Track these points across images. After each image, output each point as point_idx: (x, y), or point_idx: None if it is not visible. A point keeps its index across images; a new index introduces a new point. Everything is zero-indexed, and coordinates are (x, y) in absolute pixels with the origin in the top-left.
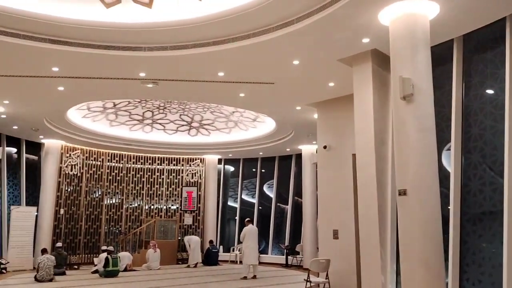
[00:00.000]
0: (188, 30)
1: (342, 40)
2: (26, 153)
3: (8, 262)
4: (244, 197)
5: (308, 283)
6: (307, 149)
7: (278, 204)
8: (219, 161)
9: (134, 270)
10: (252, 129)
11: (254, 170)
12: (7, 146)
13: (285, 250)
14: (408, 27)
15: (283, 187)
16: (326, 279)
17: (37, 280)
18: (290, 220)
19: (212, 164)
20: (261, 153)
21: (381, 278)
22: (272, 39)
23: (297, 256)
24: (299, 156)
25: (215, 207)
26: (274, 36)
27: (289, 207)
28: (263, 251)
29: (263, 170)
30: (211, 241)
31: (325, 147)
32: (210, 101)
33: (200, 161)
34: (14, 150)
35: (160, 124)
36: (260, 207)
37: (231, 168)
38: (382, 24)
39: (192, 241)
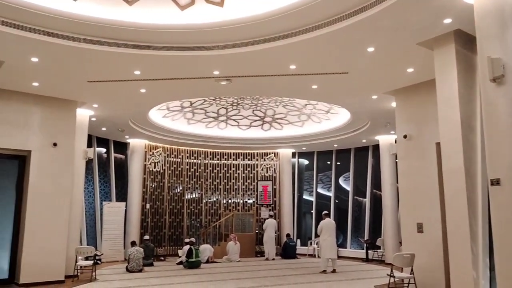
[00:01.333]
0: (258, 25)
1: (421, 22)
2: (114, 152)
3: (102, 254)
4: (320, 190)
5: (392, 278)
6: (385, 140)
7: (355, 197)
8: (293, 154)
9: (215, 262)
10: (326, 121)
11: (328, 163)
12: (97, 147)
13: (365, 244)
14: (496, 3)
15: (360, 179)
16: (411, 274)
17: (128, 270)
18: (369, 213)
19: (286, 158)
20: (335, 145)
21: (473, 273)
22: (345, 27)
23: (378, 250)
24: (376, 147)
25: (291, 201)
26: (347, 24)
27: (367, 200)
28: (341, 245)
29: (338, 163)
30: (288, 235)
31: (405, 136)
32: (282, 95)
33: (274, 155)
34: (103, 150)
35: (234, 120)
36: (336, 200)
37: (305, 162)
38: (466, 2)
39: (269, 225)
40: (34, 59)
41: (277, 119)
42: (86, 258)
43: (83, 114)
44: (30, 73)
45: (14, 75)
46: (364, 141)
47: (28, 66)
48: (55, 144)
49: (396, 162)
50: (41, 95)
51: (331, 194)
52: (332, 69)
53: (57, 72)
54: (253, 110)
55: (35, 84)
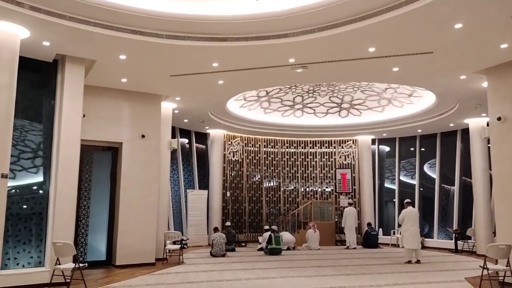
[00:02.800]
0: (335, 8)
1: None
2: (195, 143)
3: (188, 239)
4: (402, 178)
5: (485, 271)
6: (476, 123)
7: (442, 185)
8: (373, 141)
9: (295, 249)
10: (408, 105)
11: (412, 149)
12: (180, 138)
13: (454, 234)
14: None
15: (447, 166)
16: (507, 266)
17: (212, 255)
18: (457, 202)
19: (365, 145)
20: (419, 131)
21: None
22: (429, 4)
23: (468, 241)
24: (465, 131)
25: (371, 189)
26: (431, 0)
27: (455, 188)
28: (427, 235)
29: (422, 149)
30: (369, 224)
31: (499, 118)
32: (361, 79)
33: (353, 142)
34: (186, 140)
35: (310, 108)
36: (421, 189)
37: (386, 148)
38: None
39: (349, 214)
40: (122, 57)
41: (355, 105)
42: (174, 243)
43: (167, 107)
44: (119, 70)
45: (105, 72)
46: (451, 125)
47: (117, 63)
48: (143, 136)
49: (489, 147)
50: (129, 90)
51: (415, 182)
52: (415, 50)
53: (143, 68)
54: (330, 97)
55: (124, 80)
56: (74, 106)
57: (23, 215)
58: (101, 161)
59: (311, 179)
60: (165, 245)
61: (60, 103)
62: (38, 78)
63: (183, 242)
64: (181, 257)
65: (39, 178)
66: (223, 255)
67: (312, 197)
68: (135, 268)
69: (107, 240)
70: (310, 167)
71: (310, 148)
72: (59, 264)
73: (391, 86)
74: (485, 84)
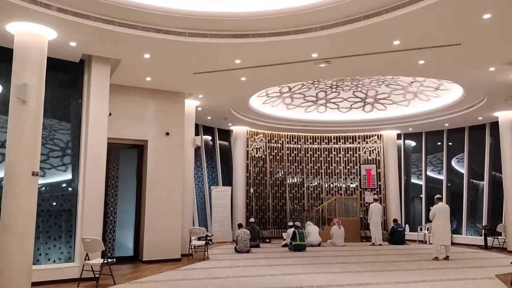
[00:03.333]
0: (358, 2)
1: None
2: (219, 139)
3: (213, 235)
4: (429, 173)
5: None
6: (506, 116)
7: (471, 180)
8: (398, 136)
9: (320, 246)
10: (435, 98)
11: (439, 143)
12: (204, 135)
13: (484, 230)
14: None
15: (476, 161)
16: None
17: (236, 251)
18: (487, 197)
19: (390, 140)
20: (446, 125)
21: None
22: None
23: (499, 237)
24: (495, 125)
25: (397, 185)
26: None
27: (485, 183)
28: (455, 231)
29: (450, 143)
30: (395, 220)
31: None
32: (385, 73)
33: (378, 138)
34: (209, 137)
35: (333, 103)
36: (449, 184)
37: (412, 143)
38: None
39: (374, 210)
40: (146, 56)
41: (380, 99)
42: (199, 239)
43: (191, 105)
44: (144, 68)
45: (130, 71)
46: (480, 118)
47: (141, 62)
48: (167, 134)
49: None
50: (153, 88)
51: (442, 177)
52: (442, 42)
53: (167, 66)
54: (354, 92)
55: (148, 78)
56: (101, 105)
57: (53, 212)
58: (127, 158)
59: (335, 175)
60: (190, 241)
61: (87, 102)
62: (65, 78)
63: (208, 238)
64: (206, 253)
65: (68, 176)
66: (248, 251)
67: (336, 193)
68: (161, 263)
69: (134, 236)
70: (334, 163)
71: (334, 143)
72: (88, 260)
73: (417, 80)
74: None
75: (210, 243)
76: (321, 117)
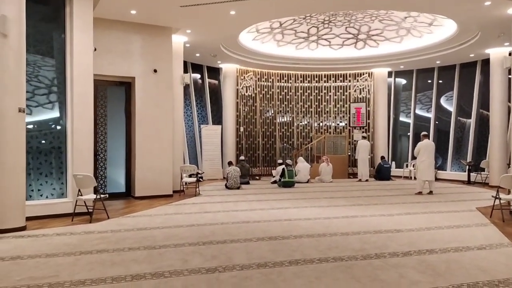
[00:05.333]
0: None
1: None
2: (208, 78)
3: (203, 172)
4: (418, 111)
5: (497, 200)
6: (497, 53)
7: (458, 118)
8: (389, 74)
9: (308, 182)
10: (428, 35)
11: (429, 81)
12: (192, 73)
13: (468, 166)
14: None
15: (464, 99)
16: None
17: (227, 187)
18: (473, 134)
19: (381, 78)
20: (438, 62)
21: None
22: None
23: (482, 173)
24: (486, 62)
25: (386, 123)
26: None
27: (472, 121)
28: (441, 167)
29: (440, 81)
30: (382, 157)
31: None
32: (379, 7)
33: (369, 75)
34: (198, 76)
35: (325, 39)
36: (436, 122)
37: (403, 81)
38: None
39: (362, 146)
40: None
41: (373, 35)
42: (190, 176)
43: (178, 41)
44: (128, 1)
45: (113, 3)
46: (471, 55)
47: None
48: (155, 71)
49: (509, 78)
50: (139, 23)
51: (430, 115)
52: None
53: None
54: (346, 28)
55: (133, 11)
56: (85, 39)
57: (43, 149)
58: (115, 96)
59: (325, 113)
60: (181, 178)
61: (70, 37)
62: (46, 11)
63: (199, 175)
64: (197, 189)
65: (55, 113)
66: (238, 188)
67: (325, 131)
68: (153, 199)
69: (125, 173)
70: (324, 101)
71: (324, 82)
72: (81, 196)
73: (411, 15)
74: (510, 11)
75: (201, 180)
76: (312, 55)
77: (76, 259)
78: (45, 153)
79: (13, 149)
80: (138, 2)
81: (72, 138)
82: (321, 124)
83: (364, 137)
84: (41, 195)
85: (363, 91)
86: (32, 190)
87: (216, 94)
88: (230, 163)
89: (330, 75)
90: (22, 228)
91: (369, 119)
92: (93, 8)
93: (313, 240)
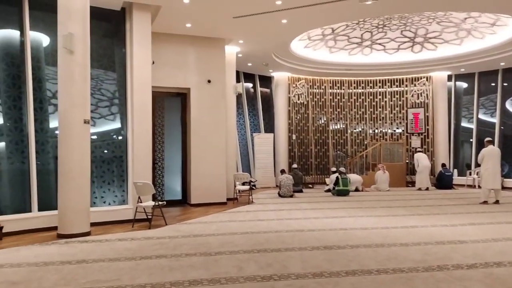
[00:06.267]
0: None
1: None
2: (260, 86)
3: (256, 180)
4: (481, 116)
5: None
6: None
7: None
8: (449, 77)
9: (364, 191)
10: (490, 36)
11: (493, 84)
12: (244, 82)
13: None
14: None
15: None
16: None
17: (280, 195)
18: None
19: (440, 82)
20: (502, 64)
21: None
22: None
23: None
24: None
25: (446, 129)
26: None
27: None
28: (507, 175)
29: (505, 84)
30: (443, 165)
31: None
32: (438, 8)
33: (427, 80)
34: (250, 85)
35: (379, 44)
36: (502, 127)
37: (464, 85)
38: None
39: (421, 159)
40: (186, 1)
41: (430, 38)
42: (243, 184)
43: (231, 52)
44: (183, 14)
45: (170, 18)
46: None
47: (181, 8)
48: (209, 81)
49: None
50: (194, 35)
51: (495, 120)
52: None
53: (206, 10)
54: (402, 31)
55: (188, 25)
56: (144, 53)
57: (106, 159)
58: (171, 107)
59: (380, 120)
60: (235, 186)
61: (130, 51)
62: (108, 27)
63: (252, 183)
64: (250, 197)
65: (117, 124)
66: (291, 196)
67: (381, 138)
68: (208, 206)
69: (181, 181)
70: (379, 107)
71: (380, 87)
72: (141, 202)
73: (471, 15)
74: None
75: (254, 188)
76: (366, 60)
77: (137, 263)
78: (107, 162)
79: (79, 158)
80: (193, 16)
81: (132, 147)
82: (376, 131)
83: (420, 151)
84: (104, 202)
85: (421, 96)
86: (96, 197)
87: (268, 103)
88: (282, 171)
89: (385, 80)
90: (87, 234)
91: (428, 125)
92: (151, 23)
93: (371, 250)
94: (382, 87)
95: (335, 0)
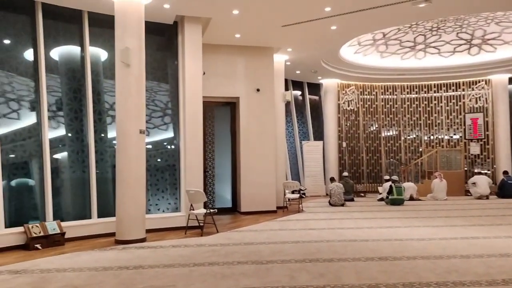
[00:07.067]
0: None
1: None
2: (308, 94)
3: (306, 189)
4: None
5: None
6: None
7: None
8: (510, 80)
9: (420, 200)
10: None
11: None
12: (293, 90)
13: None
14: None
15: None
16: None
17: (331, 204)
18: None
19: (500, 85)
20: None
21: None
22: None
23: None
24: None
25: (508, 134)
26: None
27: None
28: None
29: None
30: (505, 172)
31: None
32: (496, 8)
33: (485, 83)
34: (299, 92)
35: (434, 47)
36: None
37: None
38: None
39: (480, 180)
40: (235, 12)
41: (488, 39)
42: (292, 192)
43: (279, 60)
44: (233, 25)
45: (220, 29)
46: None
47: (230, 19)
48: (258, 90)
49: None
50: (243, 45)
51: None
52: None
53: (255, 20)
54: (457, 33)
55: (237, 35)
56: (195, 64)
57: (159, 167)
58: (221, 116)
59: (435, 126)
60: (284, 194)
61: (182, 63)
62: (161, 41)
63: (301, 192)
64: (300, 205)
65: (170, 134)
66: (342, 205)
67: (437, 145)
68: (258, 215)
69: (231, 189)
70: (435, 113)
71: (434, 92)
72: (193, 210)
73: None
74: None
75: (304, 196)
76: (419, 64)
77: (190, 270)
78: (161, 170)
79: (135, 167)
80: (242, 26)
81: (184, 156)
82: (431, 137)
83: (480, 173)
84: (158, 209)
85: (480, 100)
86: (151, 205)
87: (317, 110)
88: (332, 179)
89: (440, 85)
90: (143, 240)
91: (487, 130)
92: (202, 35)
93: (429, 262)
94: (438, 92)
95: (387, 4)
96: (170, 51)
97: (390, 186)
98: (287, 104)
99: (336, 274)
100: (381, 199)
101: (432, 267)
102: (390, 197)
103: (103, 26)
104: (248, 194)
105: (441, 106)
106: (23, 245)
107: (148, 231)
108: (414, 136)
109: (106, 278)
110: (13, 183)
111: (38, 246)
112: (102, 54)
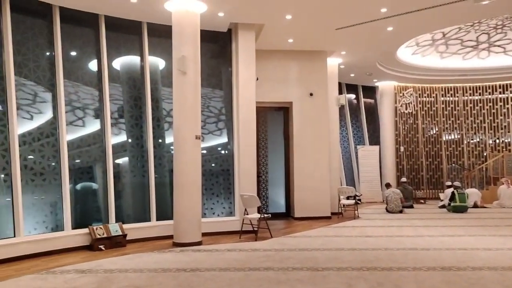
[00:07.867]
0: None
1: None
2: (363, 97)
3: (361, 195)
4: None
5: None
6: None
7: None
8: None
9: (485, 207)
10: None
11: None
12: (347, 93)
13: None
14: None
15: None
16: None
17: (388, 211)
18: None
19: None
20: None
21: None
22: None
23: None
24: None
25: None
26: None
27: None
28: None
29: None
30: None
31: None
32: None
33: None
34: (353, 96)
35: (498, 46)
36: None
37: None
38: None
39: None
40: (288, 17)
41: None
42: (347, 198)
43: (333, 64)
44: (286, 30)
45: (273, 35)
46: None
47: (283, 24)
48: (311, 94)
49: None
50: (296, 50)
51: None
52: None
53: (308, 24)
54: None
55: (290, 40)
56: (248, 71)
57: (214, 172)
58: (274, 120)
59: (501, 129)
60: (339, 200)
61: (236, 69)
62: (216, 48)
63: (357, 198)
64: (356, 212)
65: (224, 139)
66: (400, 212)
67: (504, 149)
68: (312, 220)
69: (285, 194)
70: (501, 115)
71: (500, 93)
72: (247, 214)
73: None
74: None
75: (359, 202)
76: (483, 64)
77: (246, 274)
78: (216, 175)
79: (191, 171)
80: (295, 31)
81: (238, 161)
82: (497, 141)
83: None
84: (213, 213)
85: None
86: (206, 209)
87: (372, 114)
88: (388, 185)
89: (507, 85)
90: (199, 243)
91: None
92: (255, 41)
93: (496, 273)
94: (503, 93)
95: (447, 2)
96: (224, 58)
97: (452, 192)
98: (341, 108)
99: (396, 283)
100: (443, 206)
101: (500, 278)
102: (452, 204)
103: (161, 36)
104: (302, 199)
105: (507, 108)
106: (88, 246)
107: (203, 234)
108: (478, 139)
109: (166, 279)
110: (78, 186)
111: (101, 247)
112: (160, 63)
